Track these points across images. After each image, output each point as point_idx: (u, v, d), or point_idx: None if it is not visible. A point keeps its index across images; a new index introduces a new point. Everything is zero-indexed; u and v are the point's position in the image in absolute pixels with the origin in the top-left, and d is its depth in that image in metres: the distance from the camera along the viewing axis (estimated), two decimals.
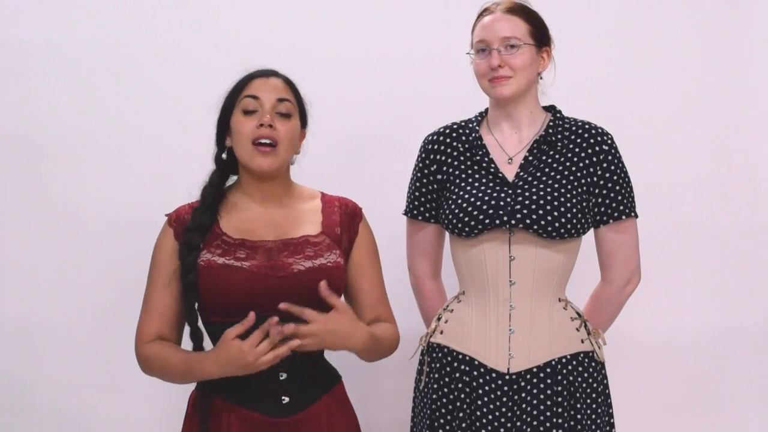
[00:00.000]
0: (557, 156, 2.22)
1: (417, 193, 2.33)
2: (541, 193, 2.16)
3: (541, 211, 2.14)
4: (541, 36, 2.22)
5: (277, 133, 2.04)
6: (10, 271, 2.91)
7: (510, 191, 2.18)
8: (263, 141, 2.03)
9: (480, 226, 2.15)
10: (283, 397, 2.01)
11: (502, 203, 2.16)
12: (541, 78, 2.28)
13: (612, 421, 2.30)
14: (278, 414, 2.00)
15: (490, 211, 2.15)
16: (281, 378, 2.00)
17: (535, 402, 2.15)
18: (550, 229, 2.13)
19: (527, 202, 2.15)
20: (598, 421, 2.22)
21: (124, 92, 2.90)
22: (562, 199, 2.16)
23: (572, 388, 2.17)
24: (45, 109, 2.90)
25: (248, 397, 2.00)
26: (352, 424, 2.17)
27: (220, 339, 1.94)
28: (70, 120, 2.90)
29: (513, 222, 2.14)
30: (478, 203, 2.17)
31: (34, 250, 2.91)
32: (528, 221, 2.13)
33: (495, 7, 2.23)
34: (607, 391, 2.28)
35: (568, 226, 2.15)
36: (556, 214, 2.14)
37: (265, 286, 1.99)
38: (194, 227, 2.04)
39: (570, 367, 2.18)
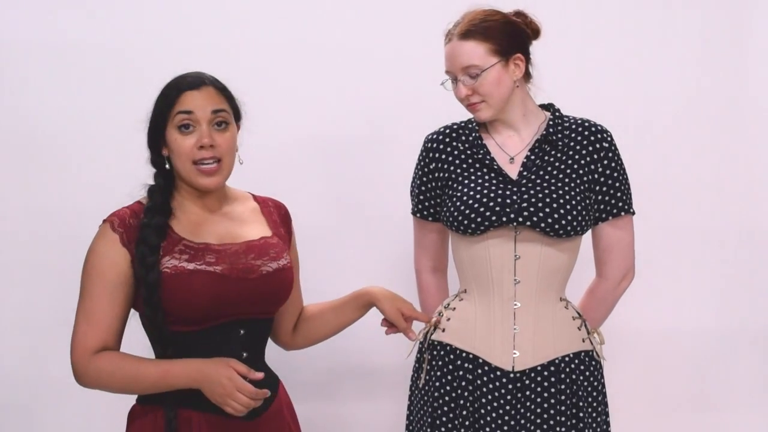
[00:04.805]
0: (559, 155, 2.22)
1: (419, 192, 2.32)
2: (547, 191, 2.16)
3: (547, 209, 2.14)
4: (505, 47, 2.17)
5: (218, 148, 1.95)
6: (9, 271, 2.88)
7: (515, 189, 2.17)
8: (206, 162, 1.95)
9: (486, 223, 2.15)
10: None
11: (508, 201, 2.15)
12: (531, 78, 2.26)
13: (608, 420, 2.31)
14: (249, 416, 1.95)
15: (497, 209, 2.15)
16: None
17: (539, 400, 2.15)
18: (557, 227, 2.13)
19: (533, 200, 2.15)
20: (599, 419, 2.24)
21: (123, 94, 2.85)
22: (567, 197, 2.16)
23: (575, 387, 2.18)
24: (43, 109, 2.86)
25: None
26: (295, 417, 2.18)
27: (221, 359, 1.90)
28: (69, 121, 2.86)
29: (520, 220, 2.13)
30: (485, 200, 2.16)
31: (33, 249, 2.87)
32: (535, 219, 2.13)
33: (453, 32, 2.19)
34: (605, 390, 2.29)
35: (574, 223, 2.15)
36: (562, 212, 2.14)
37: (238, 290, 1.95)
38: (152, 225, 1.93)
39: (573, 366, 2.18)
